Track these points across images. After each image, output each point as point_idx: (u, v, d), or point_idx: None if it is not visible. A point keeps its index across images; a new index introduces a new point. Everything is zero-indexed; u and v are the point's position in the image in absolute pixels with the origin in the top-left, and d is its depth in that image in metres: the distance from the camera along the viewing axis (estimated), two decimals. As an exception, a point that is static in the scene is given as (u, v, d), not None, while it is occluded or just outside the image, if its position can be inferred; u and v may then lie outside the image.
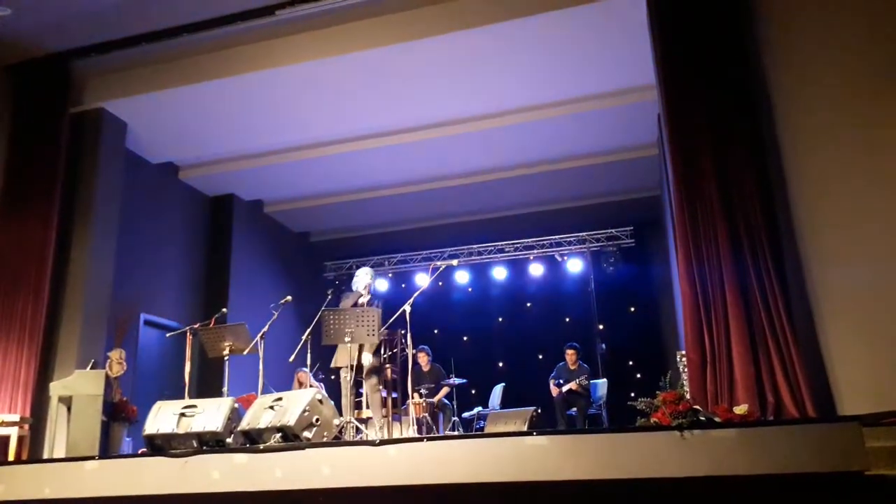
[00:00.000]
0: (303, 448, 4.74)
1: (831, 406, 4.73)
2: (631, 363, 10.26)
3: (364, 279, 6.49)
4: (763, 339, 4.92)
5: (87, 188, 7.38)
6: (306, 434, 5.02)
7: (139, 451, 5.67)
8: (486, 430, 6.33)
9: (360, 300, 6.33)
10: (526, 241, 10.92)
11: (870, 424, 3.84)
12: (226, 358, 6.25)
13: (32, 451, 6.42)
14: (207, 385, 8.23)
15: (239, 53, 7.13)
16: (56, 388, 6.34)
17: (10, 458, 6.12)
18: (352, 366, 5.94)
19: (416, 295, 6.18)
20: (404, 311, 6.06)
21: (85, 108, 7.59)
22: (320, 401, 5.28)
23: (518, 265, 11.10)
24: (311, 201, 10.64)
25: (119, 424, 6.72)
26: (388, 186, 10.23)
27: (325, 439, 5.11)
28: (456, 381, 8.40)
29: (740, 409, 4.41)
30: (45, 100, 7.40)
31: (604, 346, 10.05)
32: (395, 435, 6.31)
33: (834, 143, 5.24)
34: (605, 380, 9.03)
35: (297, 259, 11.53)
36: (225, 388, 6.28)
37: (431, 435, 6.85)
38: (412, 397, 6.50)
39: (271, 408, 5.21)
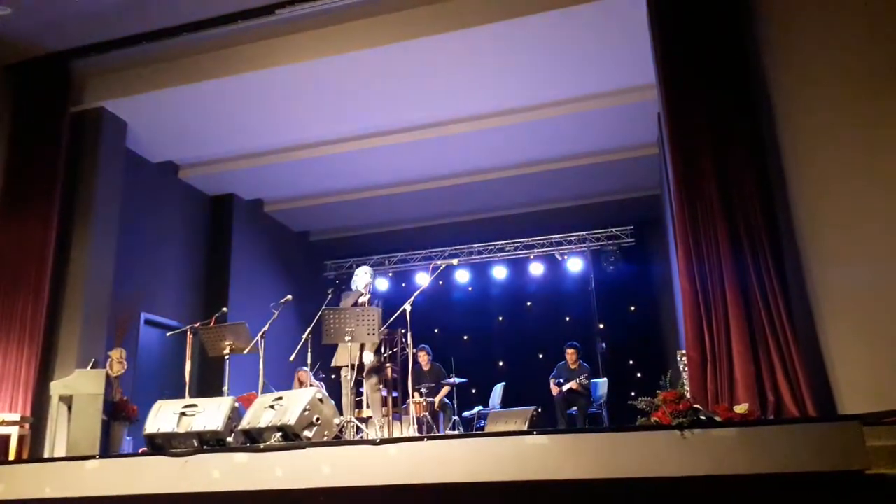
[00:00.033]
0: (303, 447, 4.75)
1: (831, 405, 4.73)
2: (631, 362, 10.27)
3: (364, 278, 6.49)
4: (763, 338, 4.92)
5: (87, 188, 7.38)
6: (307, 433, 5.03)
7: (139, 451, 5.66)
8: (487, 430, 6.33)
9: (361, 299, 6.34)
10: (526, 240, 10.92)
11: (870, 423, 3.84)
12: (226, 357, 6.25)
13: (33, 450, 6.43)
14: (208, 384, 8.23)
15: (239, 53, 7.13)
16: (56, 388, 6.35)
17: (11, 457, 6.12)
18: (352, 365, 5.94)
19: (416, 294, 6.18)
20: (404, 310, 6.06)
21: (85, 107, 7.59)
22: (321, 400, 5.28)
23: (518, 264, 11.10)
24: (312, 201, 10.63)
25: (119, 424, 6.72)
26: (388, 186, 10.22)
27: (325, 438, 5.11)
28: (456, 380, 8.40)
29: (741, 409, 4.42)
30: (45, 99, 7.40)
31: (604, 345, 10.04)
32: (396, 434, 6.31)
33: (834, 143, 5.25)
34: (605, 379, 9.03)
35: (297, 258, 11.53)
36: (225, 388, 6.29)
37: (432, 434, 6.86)
38: (412, 396, 6.50)
39: (272, 407, 5.21)
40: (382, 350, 6.39)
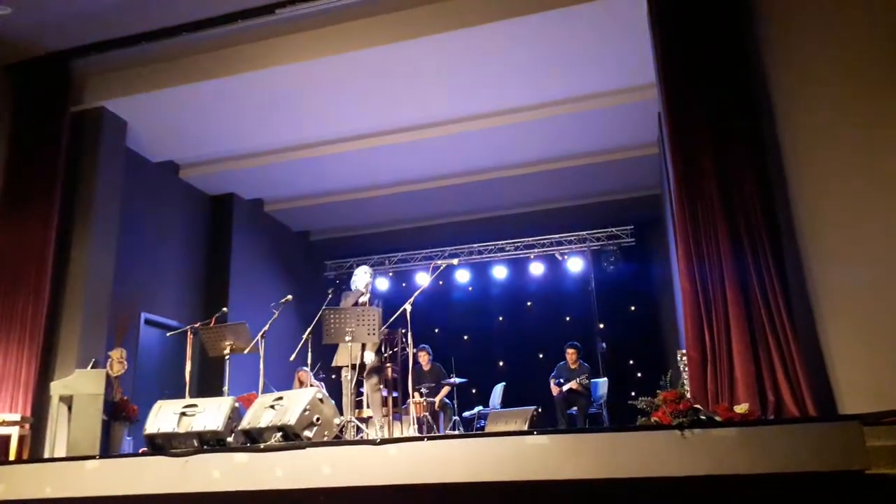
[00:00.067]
0: (303, 447, 4.75)
1: (832, 405, 4.73)
2: (631, 362, 10.26)
3: (364, 278, 6.50)
4: (763, 338, 4.92)
5: (87, 187, 7.38)
6: (307, 433, 5.03)
7: (140, 451, 5.66)
8: (487, 430, 6.33)
9: (361, 299, 6.34)
10: (526, 240, 10.91)
11: (870, 423, 3.84)
12: (226, 357, 6.25)
13: (33, 450, 6.43)
14: (208, 384, 8.23)
15: (238, 53, 7.13)
16: (57, 388, 6.35)
17: (11, 457, 6.12)
18: (353, 365, 5.94)
19: (416, 294, 6.18)
20: (405, 310, 6.06)
21: (85, 107, 7.60)
22: (321, 400, 5.28)
23: (518, 264, 11.09)
24: (312, 200, 10.64)
25: (120, 424, 6.73)
26: (388, 185, 10.22)
27: (325, 438, 5.11)
28: (456, 380, 8.40)
29: (741, 408, 4.42)
30: (45, 99, 7.40)
31: (604, 345, 10.04)
32: (396, 434, 6.32)
33: (834, 143, 5.25)
34: (605, 379, 9.03)
35: (298, 258, 11.53)
36: (225, 388, 6.28)
37: (432, 434, 6.86)
38: (413, 396, 6.51)
39: (272, 407, 5.21)
40: (383, 350, 6.39)
